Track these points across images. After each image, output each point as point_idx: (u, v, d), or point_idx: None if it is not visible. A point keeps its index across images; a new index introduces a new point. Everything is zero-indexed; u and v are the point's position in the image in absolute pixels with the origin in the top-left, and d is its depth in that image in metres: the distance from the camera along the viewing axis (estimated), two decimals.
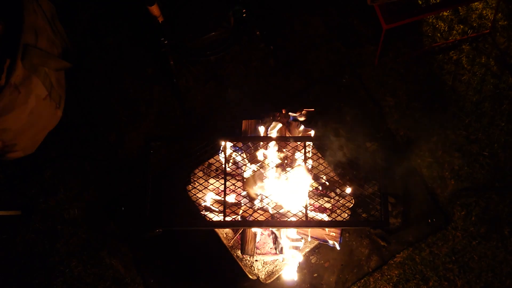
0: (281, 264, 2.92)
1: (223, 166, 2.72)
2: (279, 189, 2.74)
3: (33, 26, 2.92)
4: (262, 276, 2.91)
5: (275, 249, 2.88)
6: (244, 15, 3.12)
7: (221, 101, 3.49)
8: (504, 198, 3.18)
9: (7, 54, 2.77)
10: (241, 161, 2.88)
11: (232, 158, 2.90)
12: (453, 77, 3.45)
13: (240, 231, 2.90)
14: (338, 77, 3.50)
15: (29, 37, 2.87)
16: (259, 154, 2.85)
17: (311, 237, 2.82)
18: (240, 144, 2.86)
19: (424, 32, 3.59)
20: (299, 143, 2.85)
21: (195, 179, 2.89)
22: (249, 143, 2.88)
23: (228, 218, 2.67)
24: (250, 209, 2.73)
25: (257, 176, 2.75)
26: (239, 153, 2.87)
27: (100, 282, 3.13)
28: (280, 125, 2.94)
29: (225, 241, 2.93)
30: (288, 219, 2.68)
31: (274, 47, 3.56)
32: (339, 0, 3.69)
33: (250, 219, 2.68)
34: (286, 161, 2.85)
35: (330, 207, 2.82)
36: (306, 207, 2.60)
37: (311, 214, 2.78)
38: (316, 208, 2.82)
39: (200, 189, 2.80)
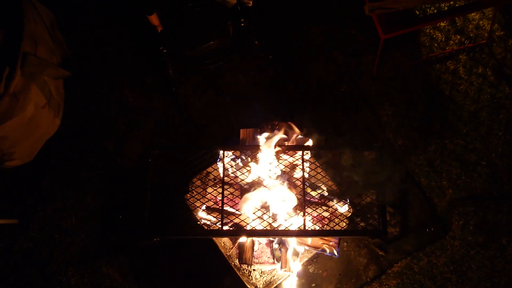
0: (279, 274, 2.90)
1: (221, 175, 2.72)
2: (277, 198, 2.73)
3: (33, 35, 2.93)
4: (260, 285, 2.90)
5: (273, 259, 2.87)
6: (242, 24, 3.15)
7: (220, 110, 3.50)
8: (502, 207, 3.18)
9: (6, 62, 2.77)
10: (239, 170, 2.88)
11: (230, 166, 2.90)
12: (451, 87, 3.47)
13: (238, 240, 2.89)
14: (336, 86, 3.52)
15: (29, 46, 2.88)
16: (257, 163, 2.85)
17: (309, 246, 2.82)
18: (238, 153, 2.86)
19: (421, 42, 3.61)
20: (297, 152, 2.85)
21: (193, 187, 2.89)
22: (247, 151, 2.88)
23: (225, 227, 2.66)
24: (247, 217, 2.72)
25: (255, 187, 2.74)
26: (237, 161, 2.87)
27: None
28: (278, 133, 2.94)
29: (223, 250, 2.92)
30: (286, 228, 2.67)
31: (273, 56, 3.58)
32: (338, 10, 3.72)
33: (247, 228, 2.68)
34: (283, 170, 2.85)
35: (328, 216, 2.81)
36: (304, 216, 2.60)
37: (309, 223, 2.77)
38: (314, 217, 2.82)
39: (198, 197, 2.80)
